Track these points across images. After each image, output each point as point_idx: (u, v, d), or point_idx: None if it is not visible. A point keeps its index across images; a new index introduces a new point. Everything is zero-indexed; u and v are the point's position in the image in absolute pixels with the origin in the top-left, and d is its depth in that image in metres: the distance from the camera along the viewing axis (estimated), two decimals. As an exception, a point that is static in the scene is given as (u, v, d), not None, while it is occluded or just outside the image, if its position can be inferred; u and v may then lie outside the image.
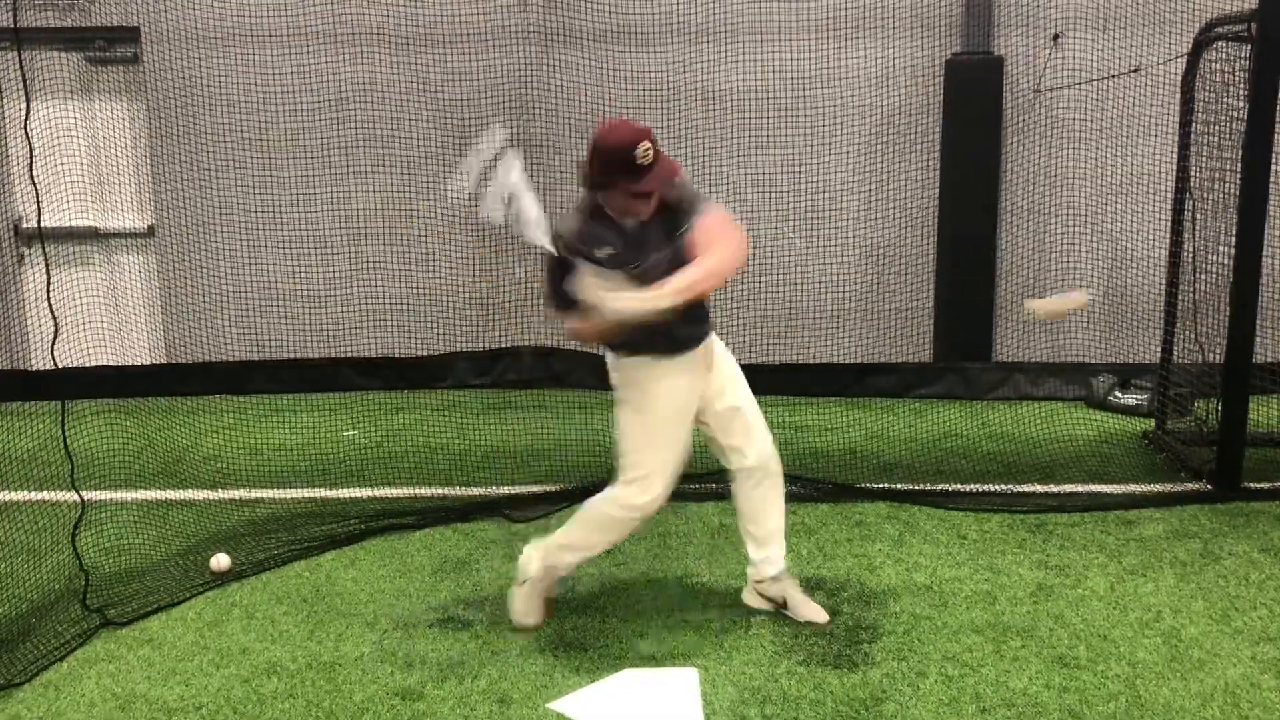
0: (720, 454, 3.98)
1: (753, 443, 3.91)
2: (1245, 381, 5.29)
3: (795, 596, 4.07)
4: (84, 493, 4.24)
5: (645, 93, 7.22)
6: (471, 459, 6.03)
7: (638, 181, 3.51)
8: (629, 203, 3.58)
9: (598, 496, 3.94)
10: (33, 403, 6.89)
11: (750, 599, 4.16)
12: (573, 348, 7.50)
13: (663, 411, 3.77)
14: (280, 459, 6.23)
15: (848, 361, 7.61)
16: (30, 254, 7.91)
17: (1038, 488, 5.47)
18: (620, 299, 3.43)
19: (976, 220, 7.48)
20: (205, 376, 7.79)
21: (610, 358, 3.83)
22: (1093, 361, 7.42)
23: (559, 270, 3.59)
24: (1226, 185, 5.37)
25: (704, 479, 5.43)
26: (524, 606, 4.04)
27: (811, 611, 4.04)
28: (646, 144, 3.50)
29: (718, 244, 3.58)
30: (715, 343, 3.92)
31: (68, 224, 7.62)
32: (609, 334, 3.59)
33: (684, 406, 3.81)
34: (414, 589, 4.40)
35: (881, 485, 5.51)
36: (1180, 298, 5.92)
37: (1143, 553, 4.62)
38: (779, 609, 4.08)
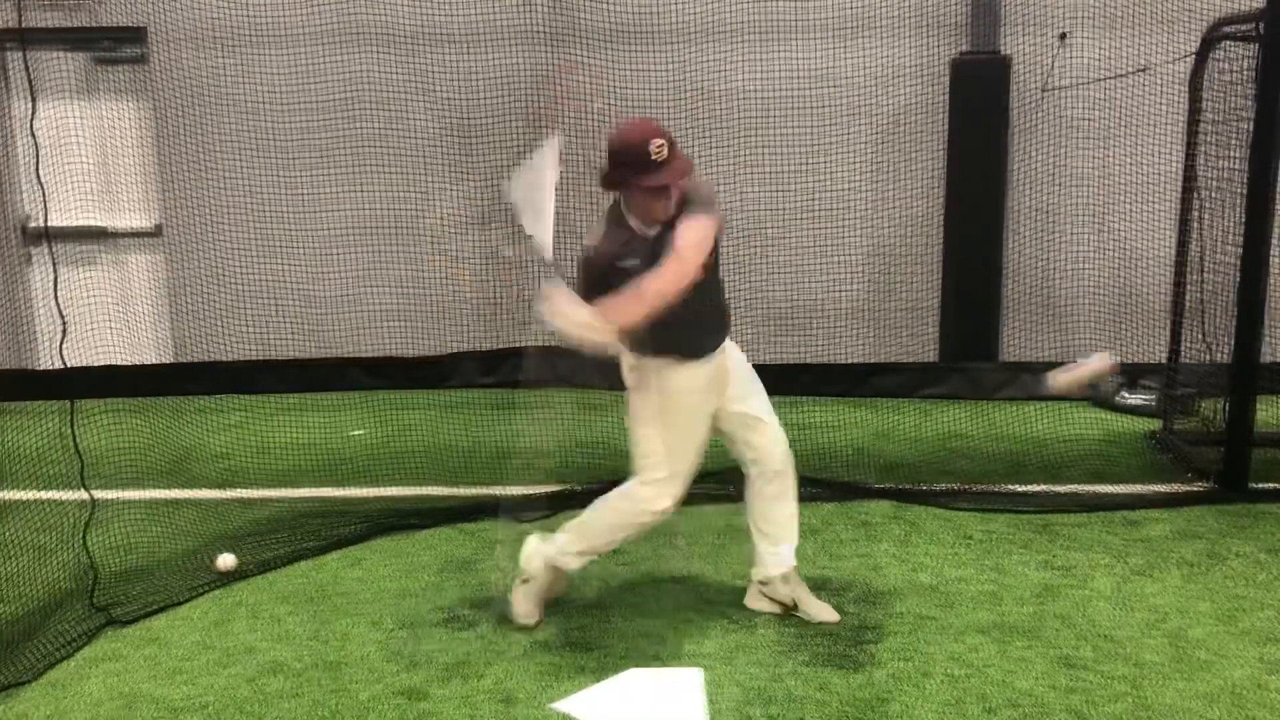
0: (738, 454, 4.01)
1: (768, 443, 3.96)
2: (1252, 381, 5.28)
3: (805, 596, 4.07)
4: (91, 492, 4.24)
5: (651, 92, 7.21)
6: (477, 458, 6.04)
7: (653, 176, 3.50)
8: (647, 201, 3.57)
9: (612, 495, 3.94)
10: (40, 402, 6.91)
11: (754, 602, 4.14)
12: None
13: (683, 414, 3.79)
14: (287, 458, 6.24)
15: (853, 361, 7.60)
16: (37, 254, 7.93)
17: (1043, 488, 5.46)
18: (570, 319, 3.33)
19: (983, 220, 7.46)
20: (212, 376, 7.81)
21: (630, 358, 3.82)
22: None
23: (592, 280, 3.60)
24: (1234, 185, 5.36)
25: (708, 480, 5.45)
26: (527, 607, 4.05)
27: (823, 611, 4.05)
28: (660, 140, 3.50)
29: (663, 270, 3.47)
30: (731, 348, 3.95)
31: (75, 224, 7.63)
32: (615, 338, 3.53)
33: (702, 410, 3.83)
34: (419, 588, 4.40)
35: (887, 485, 5.50)
36: (1187, 297, 5.90)
37: (1148, 553, 4.61)
38: (788, 610, 4.07)
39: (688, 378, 3.76)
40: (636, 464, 3.86)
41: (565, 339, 3.36)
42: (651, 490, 3.83)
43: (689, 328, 3.69)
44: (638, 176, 3.51)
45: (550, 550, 4.04)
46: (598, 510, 3.97)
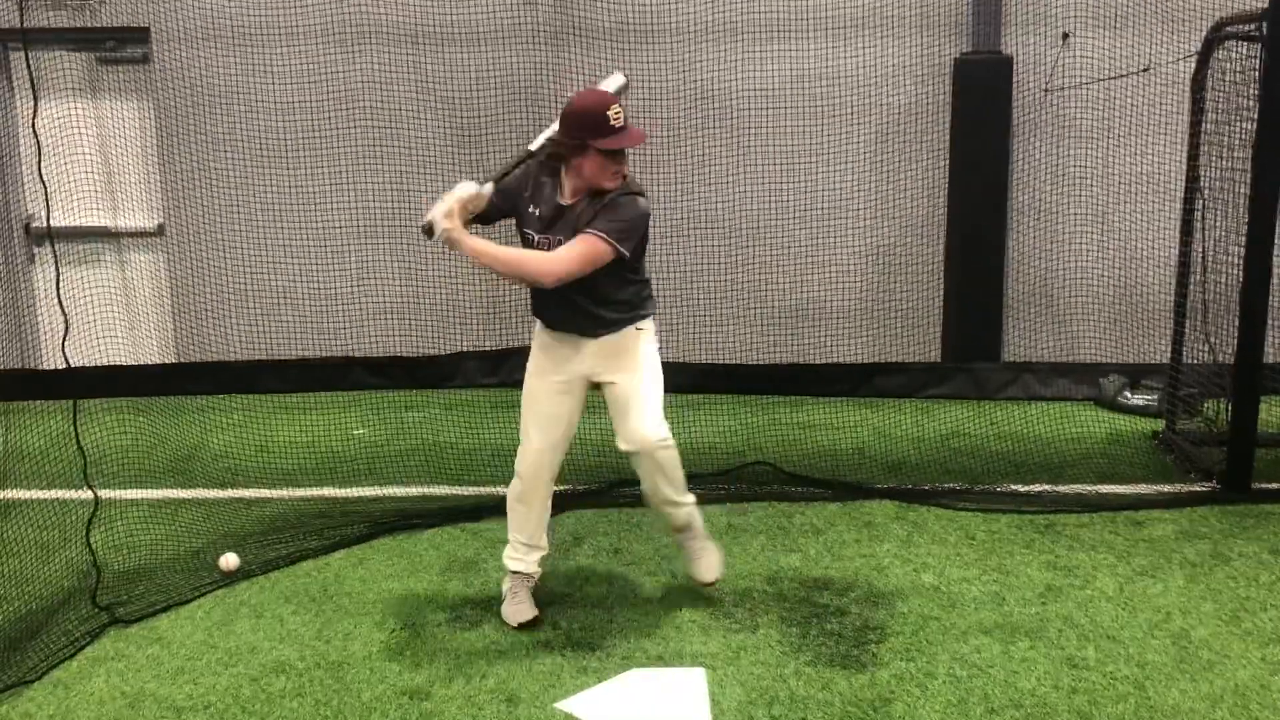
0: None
1: (620, 431, 4.00)
2: (1256, 382, 5.28)
3: (692, 554, 4.24)
4: (95, 490, 4.25)
5: (654, 92, 7.21)
6: (480, 458, 6.04)
7: (611, 139, 3.68)
8: (603, 164, 3.71)
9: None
10: (43, 401, 6.92)
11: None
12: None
13: (528, 373, 4.06)
14: (289, 458, 6.24)
15: (856, 361, 7.60)
16: (41, 253, 7.93)
17: (1047, 488, 5.46)
18: (443, 215, 3.67)
19: (985, 220, 7.46)
20: (214, 375, 7.81)
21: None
22: (1102, 361, 7.40)
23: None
24: (1237, 185, 5.35)
25: (711, 480, 5.45)
26: (511, 609, 4.09)
27: (703, 570, 4.23)
28: (618, 107, 3.71)
29: (537, 260, 3.77)
30: (625, 343, 3.95)
31: (78, 223, 7.64)
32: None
33: (537, 373, 4.02)
34: (422, 588, 4.41)
35: (890, 485, 5.50)
36: (1190, 298, 5.90)
37: (1152, 554, 4.61)
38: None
39: (535, 342, 4.05)
40: None
41: (431, 216, 3.68)
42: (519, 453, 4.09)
43: (559, 303, 3.87)
44: (596, 139, 3.67)
45: (502, 563, 4.22)
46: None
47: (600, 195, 3.76)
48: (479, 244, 3.71)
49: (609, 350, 3.94)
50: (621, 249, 3.72)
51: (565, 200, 3.82)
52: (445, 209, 3.69)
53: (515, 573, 4.14)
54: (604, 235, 3.69)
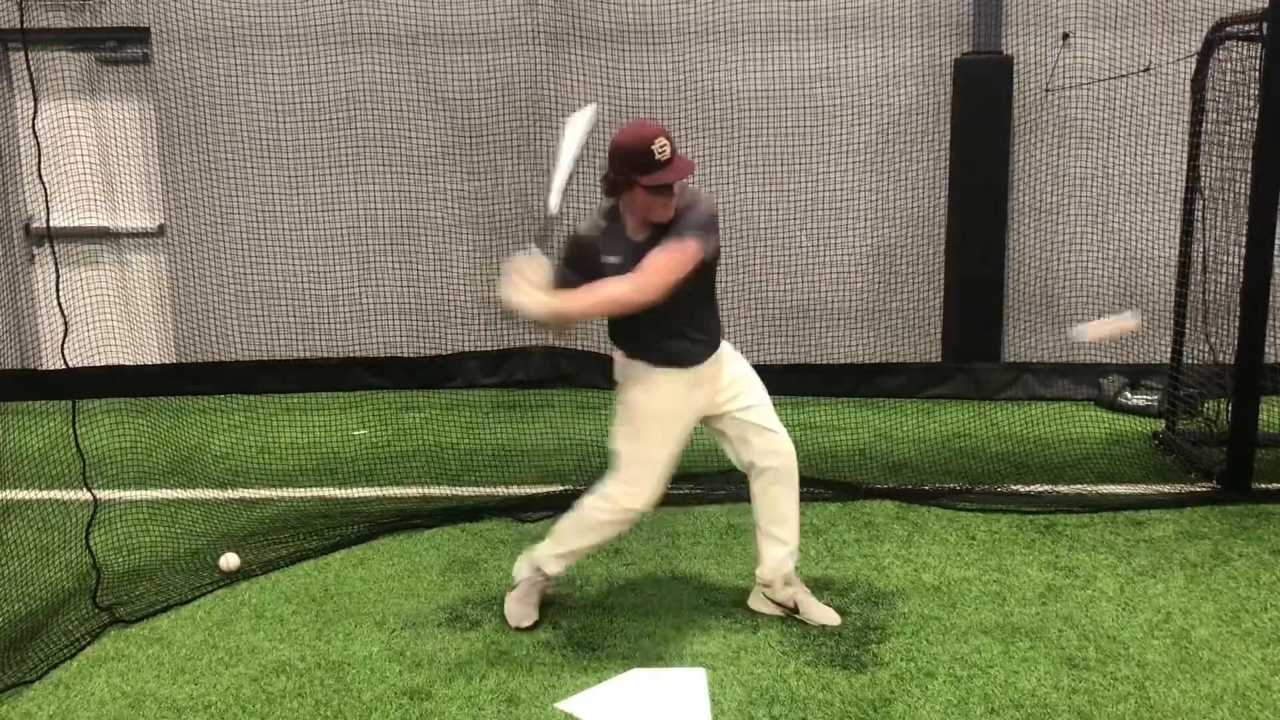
0: (734, 458, 4.02)
1: (765, 448, 3.94)
2: (1256, 382, 5.28)
3: (805, 600, 4.07)
4: (94, 491, 4.25)
5: (652, 92, 7.22)
6: (480, 459, 6.04)
7: (656, 175, 3.57)
8: (651, 200, 3.62)
9: (589, 498, 3.97)
10: (43, 402, 6.93)
11: (757, 604, 4.14)
12: (581, 347, 7.52)
13: (652, 419, 3.84)
14: (289, 458, 6.24)
15: (857, 361, 7.60)
16: (41, 254, 7.93)
17: (1047, 488, 5.46)
18: (519, 293, 3.51)
19: (986, 220, 7.46)
20: (215, 376, 7.81)
21: (618, 355, 3.89)
22: (1103, 362, 7.40)
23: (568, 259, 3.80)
24: (1237, 185, 5.36)
25: (712, 480, 5.45)
26: (518, 610, 4.08)
27: (823, 614, 4.04)
28: (663, 140, 3.58)
29: (623, 281, 3.61)
30: (731, 357, 3.94)
31: (78, 223, 7.64)
32: (549, 324, 3.64)
33: (673, 417, 3.85)
34: (422, 588, 4.41)
35: (890, 485, 5.50)
36: (1190, 298, 5.90)
37: (1152, 554, 4.61)
38: (789, 614, 4.07)
39: (661, 384, 3.82)
40: (614, 463, 3.90)
41: (506, 302, 3.51)
42: (621, 490, 3.87)
43: (669, 336, 3.77)
44: (642, 175, 3.57)
45: (533, 555, 4.12)
46: (578, 513, 4.00)
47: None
48: (563, 301, 3.57)
49: (715, 374, 3.89)
50: (707, 245, 3.61)
51: (635, 236, 3.71)
52: (512, 286, 3.52)
53: (539, 570, 4.09)
54: (684, 237, 3.58)
